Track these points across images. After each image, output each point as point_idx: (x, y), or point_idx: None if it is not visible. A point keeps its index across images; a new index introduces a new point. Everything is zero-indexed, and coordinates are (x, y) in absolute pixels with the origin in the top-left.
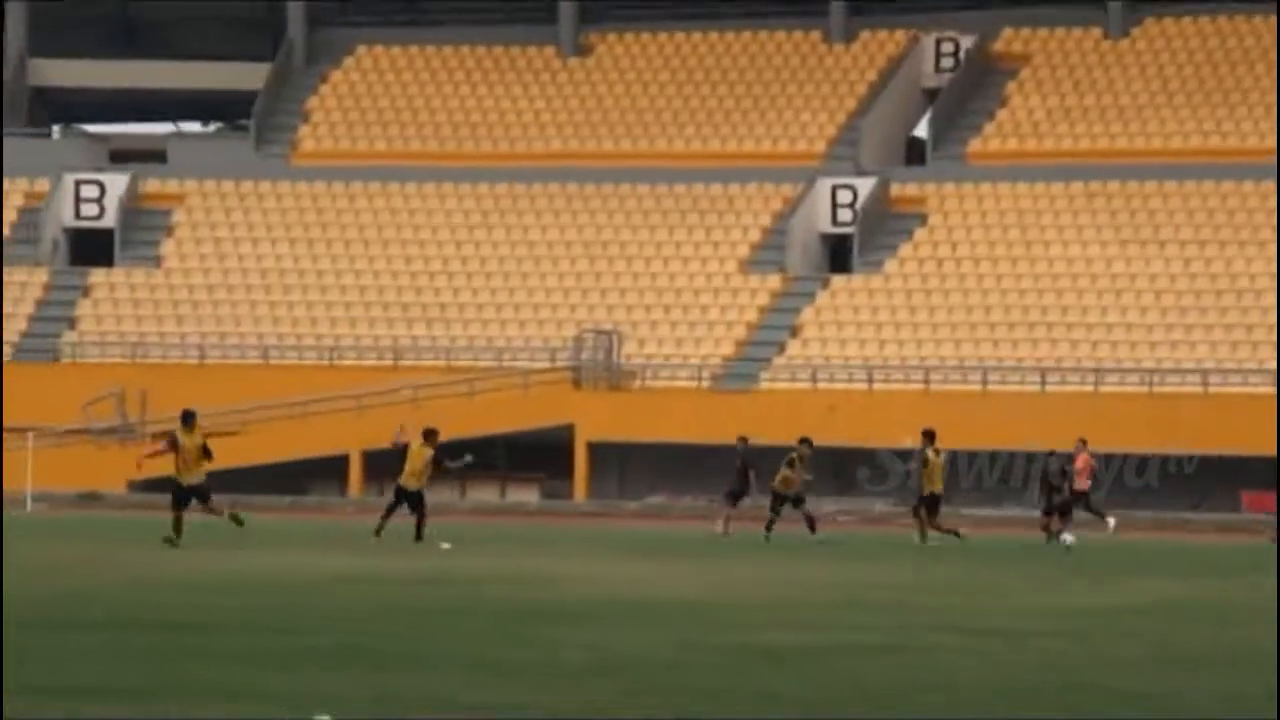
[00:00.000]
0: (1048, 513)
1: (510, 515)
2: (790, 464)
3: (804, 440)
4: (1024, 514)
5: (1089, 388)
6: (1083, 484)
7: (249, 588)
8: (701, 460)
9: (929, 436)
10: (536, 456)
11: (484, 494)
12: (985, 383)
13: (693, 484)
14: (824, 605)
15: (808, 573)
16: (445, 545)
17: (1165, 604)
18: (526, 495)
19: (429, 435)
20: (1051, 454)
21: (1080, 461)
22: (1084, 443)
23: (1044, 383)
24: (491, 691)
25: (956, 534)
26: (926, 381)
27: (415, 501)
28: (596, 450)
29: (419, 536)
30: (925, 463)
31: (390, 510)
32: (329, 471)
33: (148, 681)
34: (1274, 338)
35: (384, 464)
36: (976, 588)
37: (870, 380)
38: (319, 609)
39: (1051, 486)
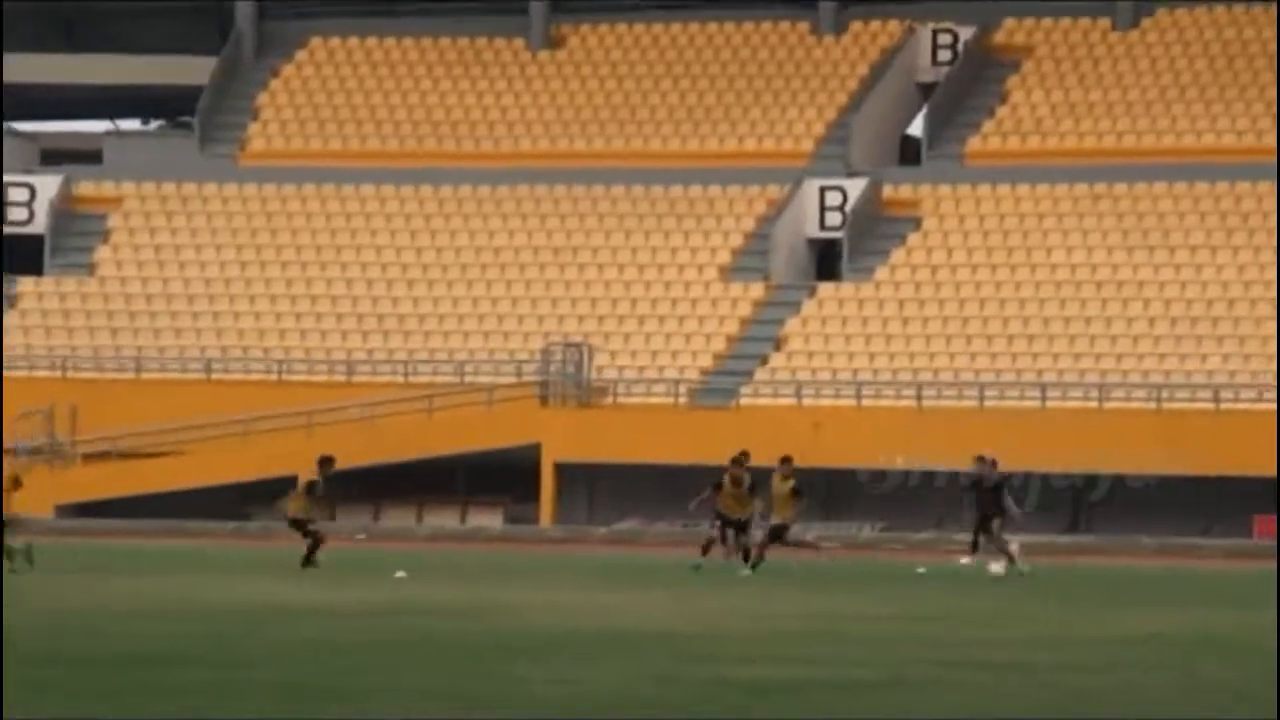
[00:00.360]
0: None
1: (471, 542)
2: (717, 486)
3: (736, 459)
4: (1024, 539)
5: (1093, 403)
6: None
7: (194, 619)
8: (677, 482)
9: (784, 462)
10: (500, 478)
11: (443, 519)
12: (982, 398)
13: (667, 508)
14: (809, 637)
15: (790, 603)
16: (400, 574)
17: (1181, 635)
18: (489, 520)
19: (322, 464)
20: (980, 459)
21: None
22: (994, 463)
23: (1044, 398)
24: None
25: (752, 567)
26: (919, 397)
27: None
28: (565, 472)
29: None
30: (769, 490)
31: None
32: (275, 495)
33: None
34: None
35: (337, 487)
36: (972, 618)
37: (859, 396)
38: (268, 641)
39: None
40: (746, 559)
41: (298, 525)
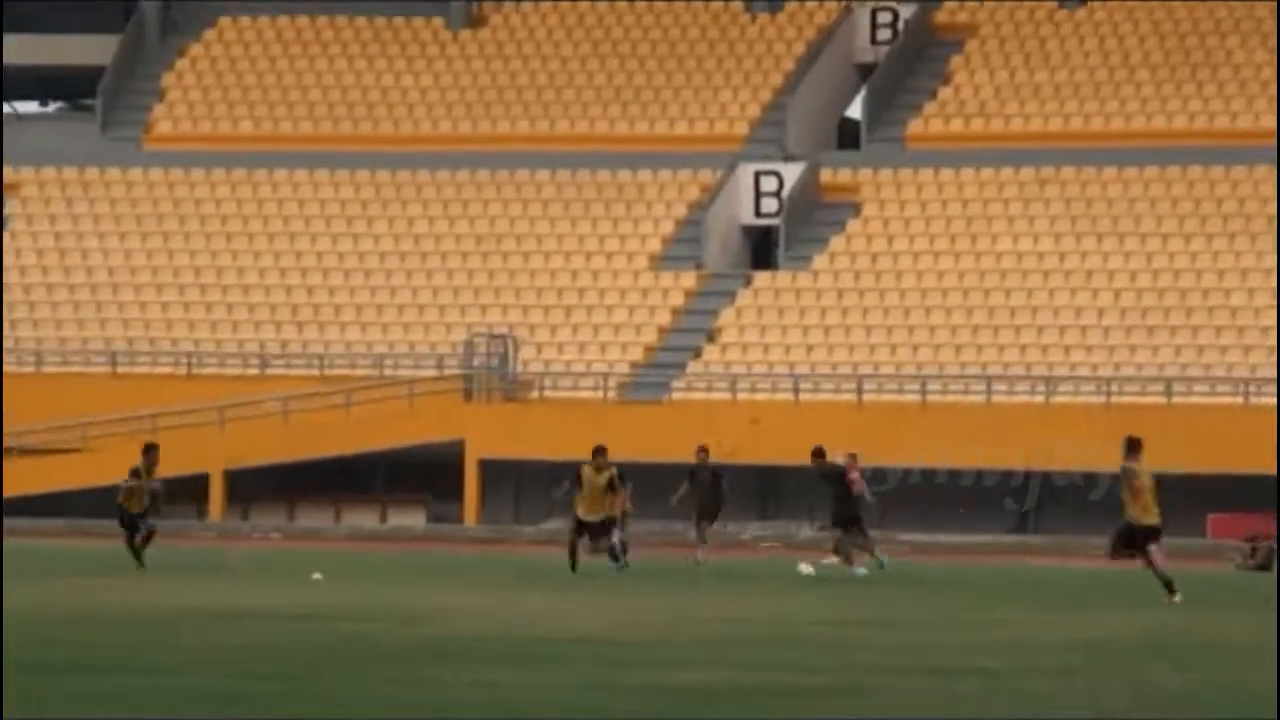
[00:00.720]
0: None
1: (392, 542)
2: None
3: (597, 450)
4: (969, 540)
5: (1039, 398)
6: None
7: (106, 624)
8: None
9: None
10: (422, 476)
11: (362, 518)
12: (924, 392)
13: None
14: (755, 642)
15: (730, 607)
16: (317, 575)
17: (1142, 638)
18: (411, 519)
19: (145, 451)
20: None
21: (851, 478)
22: (854, 457)
23: (990, 392)
24: None
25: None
26: (859, 391)
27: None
28: (489, 469)
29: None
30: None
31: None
32: (186, 493)
33: None
34: (1244, 341)
35: (250, 485)
36: (927, 622)
37: (797, 390)
38: (185, 647)
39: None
40: (613, 557)
41: (124, 519)
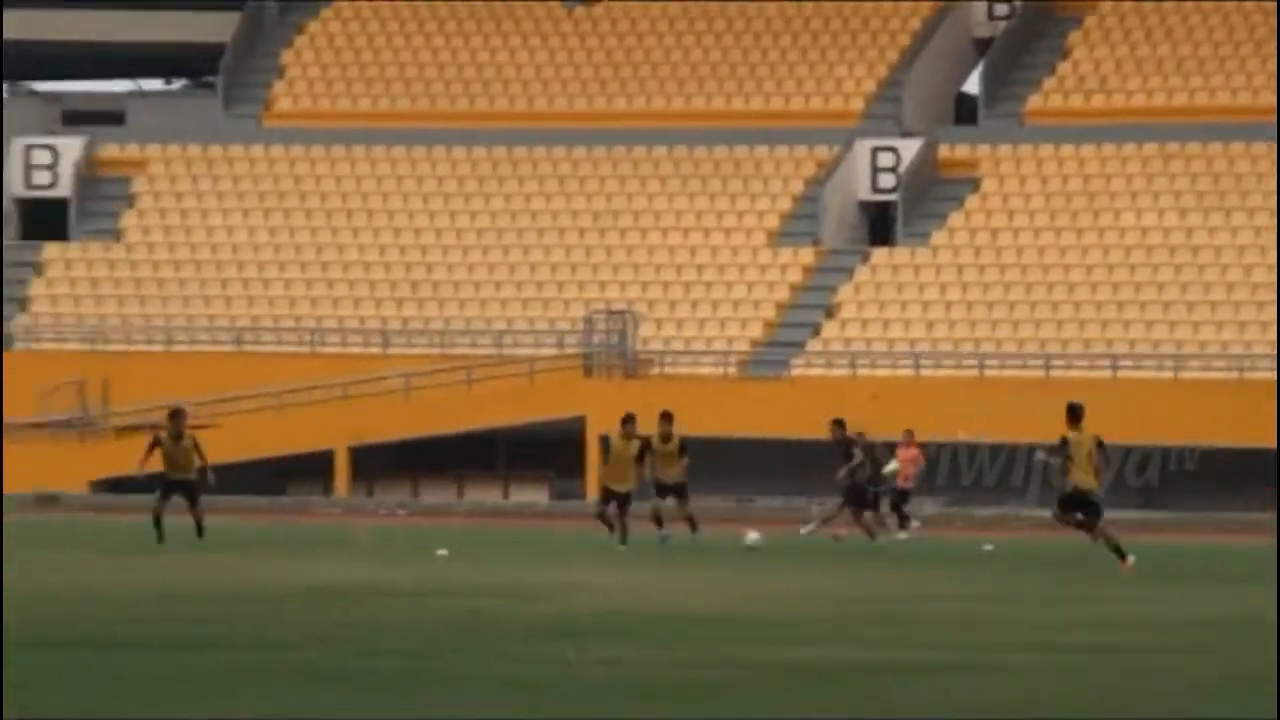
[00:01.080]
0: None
1: (515, 518)
2: (644, 449)
3: (626, 419)
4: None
5: (1167, 374)
6: (906, 481)
7: (227, 600)
8: (727, 456)
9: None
10: (544, 452)
11: (485, 494)
12: (1048, 368)
13: (717, 483)
14: (870, 619)
15: (849, 583)
16: (441, 552)
17: (1267, 615)
18: (533, 496)
19: (172, 416)
20: (859, 436)
21: (907, 455)
22: (911, 434)
23: (1115, 368)
24: (498, 715)
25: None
26: (981, 367)
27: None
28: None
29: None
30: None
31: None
32: (311, 470)
33: (123, 706)
34: None
35: (374, 461)
36: (1043, 597)
37: (917, 366)
38: (305, 623)
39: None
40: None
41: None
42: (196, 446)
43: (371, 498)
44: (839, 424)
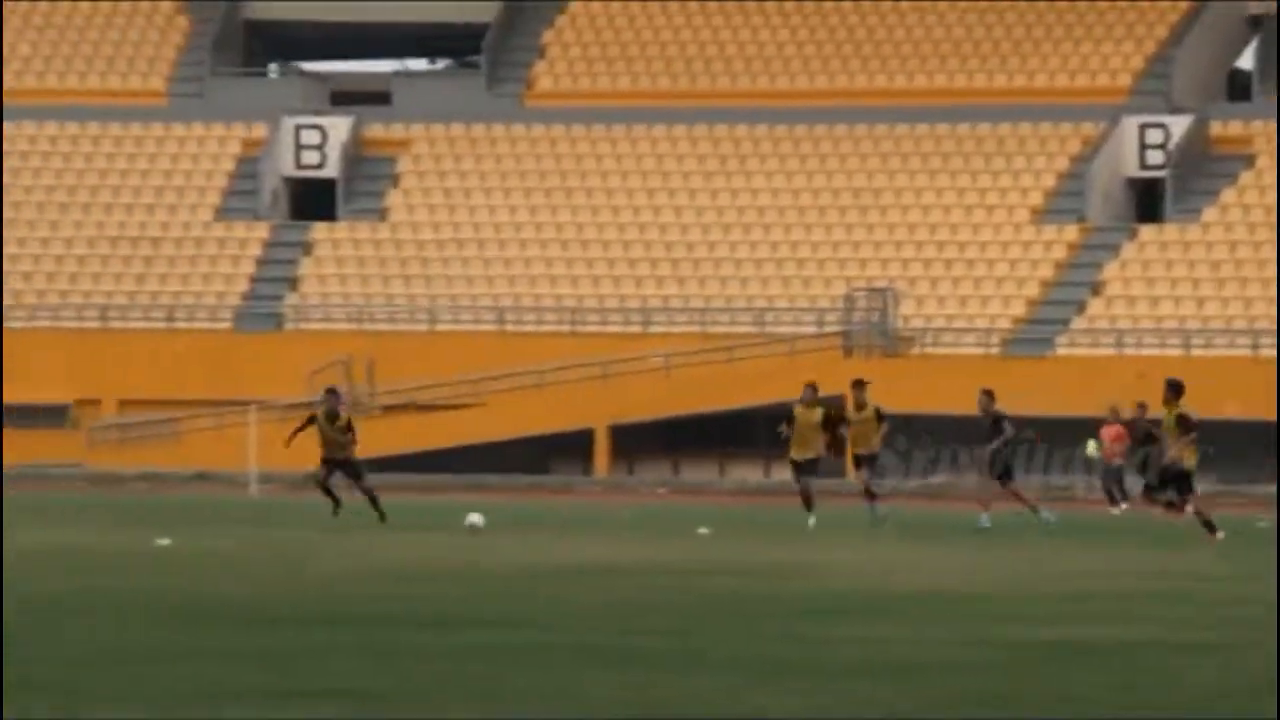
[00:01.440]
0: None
1: (775, 496)
2: (836, 418)
3: (808, 386)
4: None
5: None
6: (1114, 459)
7: (490, 579)
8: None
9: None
10: None
11: (746, 472)
12: None
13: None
14: (1127, 596)
15: (1104, 561)
16: (703, 530)
17: None
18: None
19: (328, 394)
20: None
21: (1111, 433)
22: (1115, 410)
23: None
24: (757, 694)
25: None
26: (1255, 346)
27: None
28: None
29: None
30: None
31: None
32: (572, 448)
33: (389, 683)
34: None
35: (634, 440)
36: None
37: (1188, 345)
38: (570, 602)
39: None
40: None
41: (341, 466)
42: (350, 427)
43: (632, 476)
44: (988, 395)
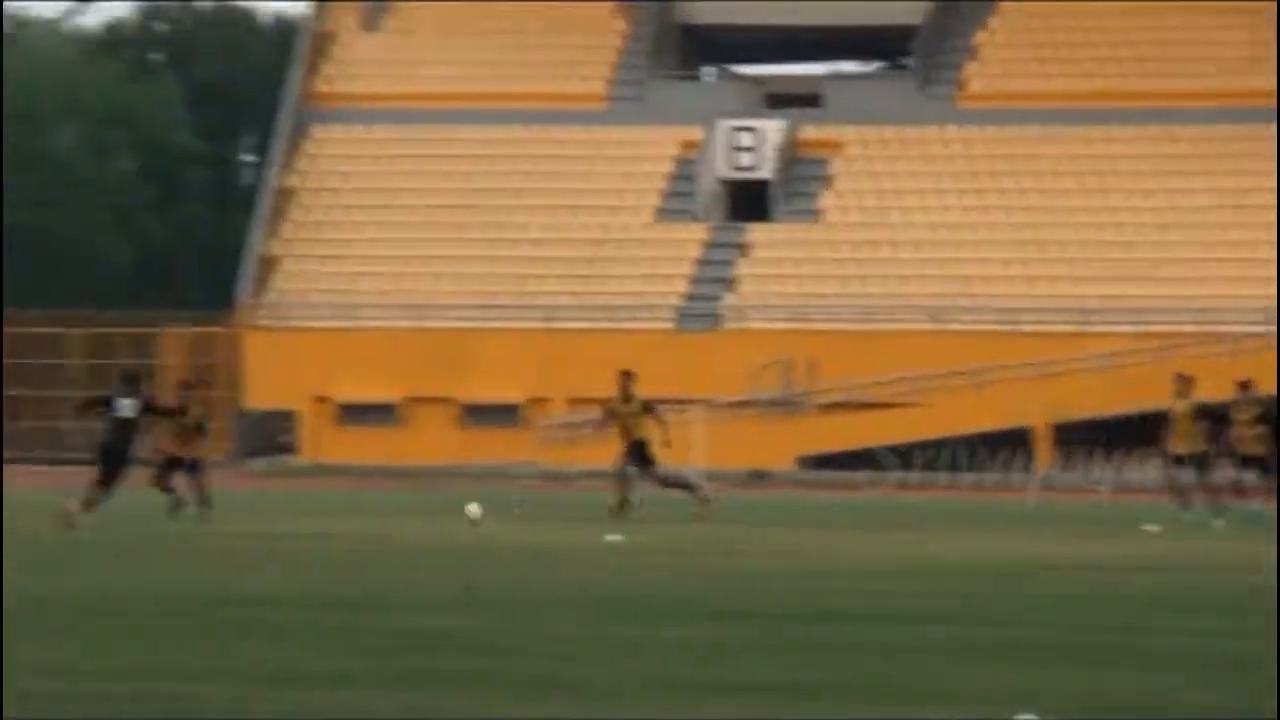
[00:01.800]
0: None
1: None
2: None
3: (1242, 384)
4: None
5: None
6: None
7: (937, 575)
8: None
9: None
10: None
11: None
12: None
13: None
14: None
15: None
16: (1149, 527)
17: None
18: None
19: (623, 376)
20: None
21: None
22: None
23: None
24: (1212, 694)
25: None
26: None
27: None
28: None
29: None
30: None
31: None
32: (1012, 446)
33: (832, 677)
34: None
35: (1076, 436)
36: None
37: None
38: (1026, 598)
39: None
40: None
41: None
42: (648, 409)
43: (1074, 474)
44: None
